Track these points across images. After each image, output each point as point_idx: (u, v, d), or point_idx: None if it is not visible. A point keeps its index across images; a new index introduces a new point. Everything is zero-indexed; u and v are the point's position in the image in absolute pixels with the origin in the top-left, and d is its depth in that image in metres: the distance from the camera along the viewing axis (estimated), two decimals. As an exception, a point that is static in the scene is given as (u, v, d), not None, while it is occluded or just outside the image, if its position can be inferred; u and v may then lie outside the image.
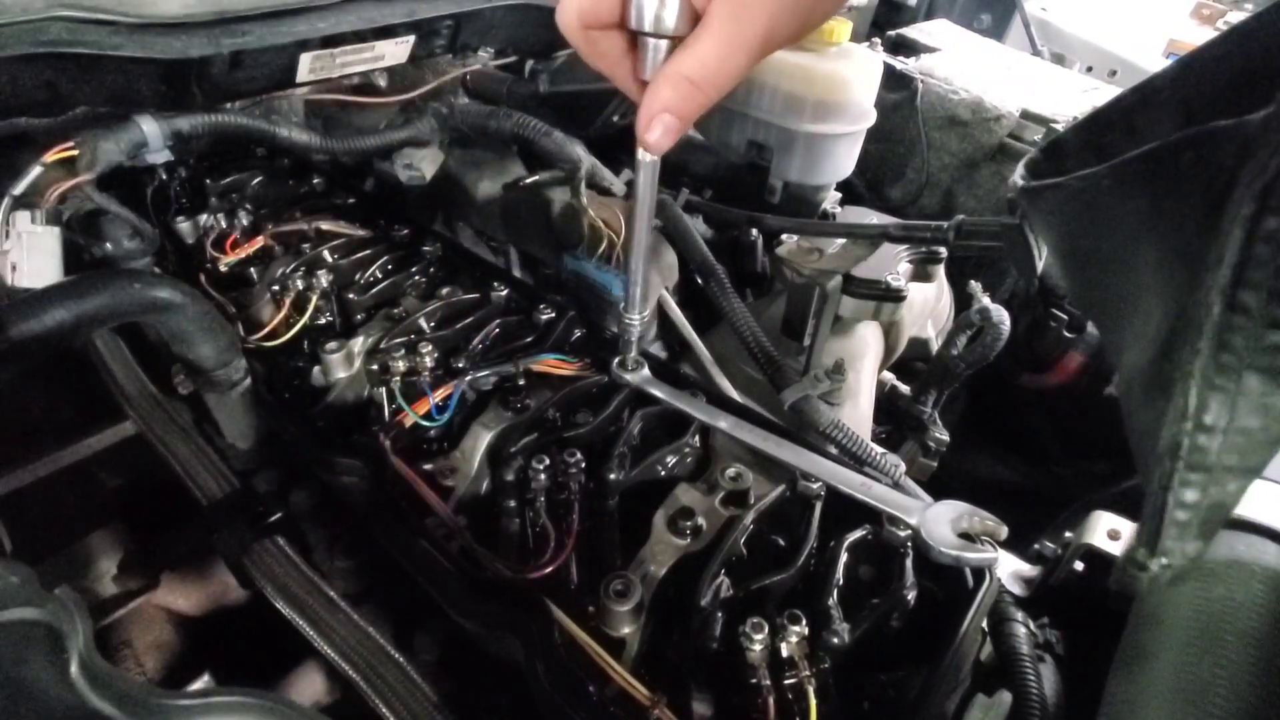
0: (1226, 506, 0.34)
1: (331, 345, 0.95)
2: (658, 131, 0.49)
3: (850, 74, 1.27)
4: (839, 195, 1.47)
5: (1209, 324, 0.30)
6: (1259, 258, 0.29)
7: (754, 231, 1.32)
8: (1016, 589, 0.83)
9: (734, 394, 1.11)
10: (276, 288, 1.07)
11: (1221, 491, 0.34)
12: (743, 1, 0.43)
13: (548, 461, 0.79)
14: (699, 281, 1.17)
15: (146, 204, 1.17)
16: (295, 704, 0.62)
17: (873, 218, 1.26)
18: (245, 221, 1.21)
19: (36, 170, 0.94)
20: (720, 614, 0.69)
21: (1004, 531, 0.67)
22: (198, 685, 0.88)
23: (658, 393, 0.88)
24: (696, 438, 0.87)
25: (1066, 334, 1.49)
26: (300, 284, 1.06)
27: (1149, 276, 0.36)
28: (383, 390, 0.92)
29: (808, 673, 0.63)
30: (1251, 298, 0.29)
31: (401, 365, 0.92)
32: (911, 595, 0.71)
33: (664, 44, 0.48)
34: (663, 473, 0.85)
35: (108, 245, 1.05)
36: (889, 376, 1.37)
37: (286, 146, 1.17)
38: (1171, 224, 0.34)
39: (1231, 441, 0.32)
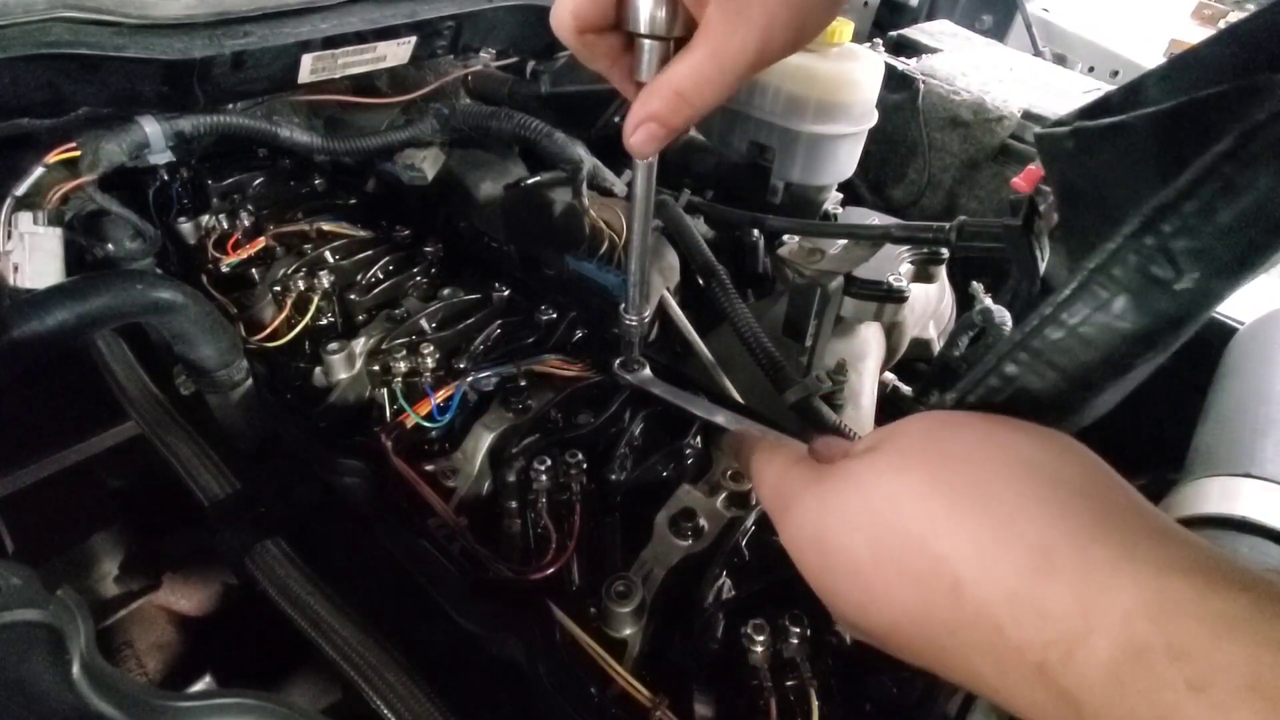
0: (1027, 394, 0.36)
1: (333, 346, 0.95)
2: (641, 138, 0.49)
3: (852, 75, 1.27)
4: (840, 196, 1.46)
5: (1119, 236, 0.31)
6: (1198, 194, 0.29)
7: (756, 232, 1.31)
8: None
9: (735, 395, 1.11)
10: (278, 288, 1.07)
11: (1033, 380, 0.35)
12: (739, 13, 0.43)
13: (549, 462, 0.79)
14: (700, 282, 1.17)
15: (148, 205, 1.17)
16: (296, 705, 0.62)
17: (874, 219, 1.26)
18: (247, 222, 1.21)
19: (39, 171, 0.94)
20: (722, 615, 0.69)
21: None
22: (199, 686, 0.88)
23: (659, 393, 0.88)
24: (698, 438, 0.87)
25: (1068, 335, 1.49)
26: (302, 285, 1.06)
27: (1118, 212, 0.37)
28: (384, 391, 0.92)
29: (810, 674, 0.63)
30: (1169, 225, 0.30)
31: (403, 366, 0.92)
32: (914, 596, 0.71)
33: (659, 45, 0.48)
34: (664, 473, 0.85)
35: (110, 246, 1.05)
36: (891, 377, 1.37)
37: (288, 147, 1.17)
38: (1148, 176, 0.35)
39: (1068, 343, 0.33)
